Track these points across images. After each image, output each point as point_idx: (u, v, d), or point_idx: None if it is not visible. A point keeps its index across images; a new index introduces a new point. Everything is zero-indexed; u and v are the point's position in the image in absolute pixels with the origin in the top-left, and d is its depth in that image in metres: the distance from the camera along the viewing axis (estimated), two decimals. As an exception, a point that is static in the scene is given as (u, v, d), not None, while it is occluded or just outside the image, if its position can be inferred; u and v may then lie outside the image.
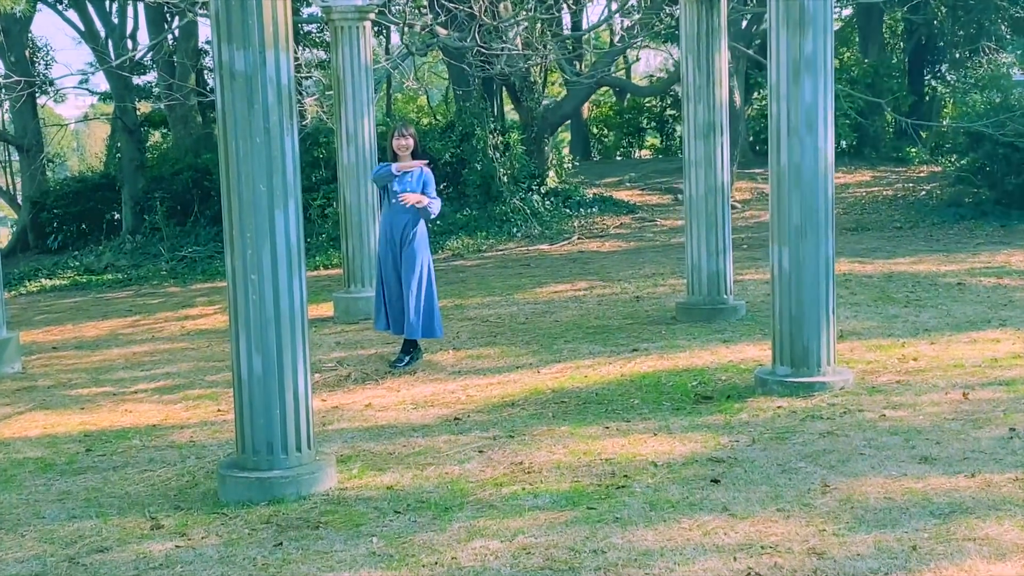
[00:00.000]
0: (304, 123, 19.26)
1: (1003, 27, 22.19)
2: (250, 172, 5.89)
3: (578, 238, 17.97)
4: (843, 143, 24.07)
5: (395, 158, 9.23)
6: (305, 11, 22.60)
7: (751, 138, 24.62)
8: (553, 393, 8.12)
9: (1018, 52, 19.53)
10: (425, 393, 8.47)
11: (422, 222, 9.29)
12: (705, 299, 10.47)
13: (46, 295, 17.39)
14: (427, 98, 34.07)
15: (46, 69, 26.27)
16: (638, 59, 21.96)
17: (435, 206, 9.17)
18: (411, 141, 9.22)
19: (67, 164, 43.17)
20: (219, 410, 8.32)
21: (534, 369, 8.99)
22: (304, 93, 17.88)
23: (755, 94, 25.58)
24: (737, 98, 21.54)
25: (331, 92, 13.38)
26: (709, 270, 10.42)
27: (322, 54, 23.70)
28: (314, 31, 25.83)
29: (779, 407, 7.22)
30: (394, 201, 9.17)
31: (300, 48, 22.20)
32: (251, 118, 5.86)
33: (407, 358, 9.42)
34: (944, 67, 26.15)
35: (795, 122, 7.34)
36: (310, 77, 19.59)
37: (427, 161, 9.31)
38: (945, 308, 10.39)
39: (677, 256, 15.21)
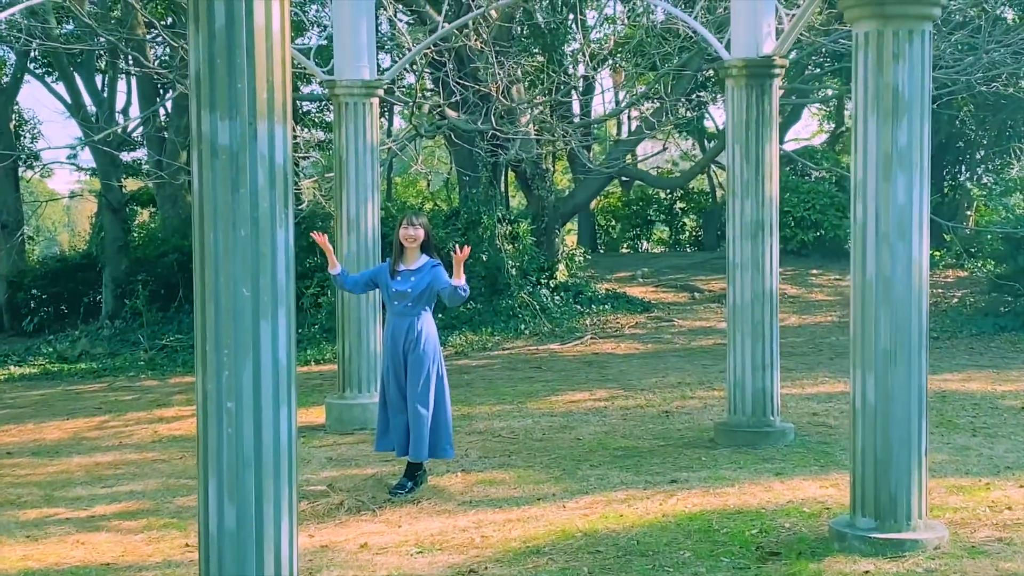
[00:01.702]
0: (300, 207, 18.14)
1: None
2: (231, 272, 4.66)
3: (591, 338, 16.73)
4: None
5: (401, 251, 8.08)
6: (305, 88, 21.58)
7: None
8: (585, 538, 6.82)
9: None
10: (431, 530, 7.17)
11: (431, 322, 8.10)
12: (749, 420, 9.22)
13: (13, 384, 16.05)
14: (427, 183, 33.08)
15: (32, 142, 25.25)
16: (665, 148, 20.93)
17: (464, 289, 7.92)
18: (421, 232, 8.05)
19: (58, 240, 42.08)
20: (187, 545, 7.01)
21: (559, 502, 7.69)
22: (301, 175, 16.76)
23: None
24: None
25: (331, 174, 12.24)
26: (754, 387, 9.18)
27: (322, 135, 22.68)
28: (314, 111, 24.86)
29: (866, 572, 5.93)
30: (396, 303, 8.03)
31: (299, 128, 21.18)
32: (235, 204, 4.64)
33: (409, 484, 8.13)
34: (965, 167, 25.23)
35: (885, 227, 6.16)
36: (308, 157, 18.50)
37: (438, 256, 8.14)
38: (1020, 439, 9.15)
39: (702, 363, 14.01)
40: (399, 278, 8.02)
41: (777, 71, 9.02)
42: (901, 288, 6.16)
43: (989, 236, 18.18)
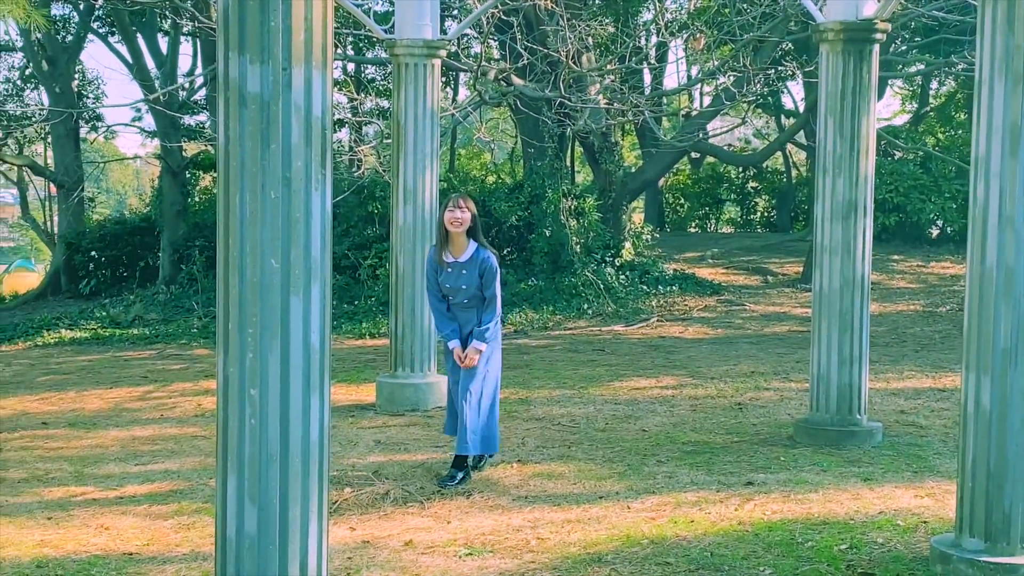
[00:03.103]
0: (359, 174, 17.56)
1: None
2: (258, 240, 4.03)
3: (657, 320, 15.98)
4: (948, 229, 22.07)
5: (446, 236, 7.45)
6: (368, 53, 20.98)
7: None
8: (652, 545, 6.15)
9: None
10: (483, 528, 6.53)
11: (497, 317, 7.51)
12: (833, 418, 8.45)
13: (62, 348, 15.67)
14: (491, 155, 32.41)
15: (95, 103, 24.94)
16: (744, 122, 20.06)
17: (494, 328, 7.47)
18: (468, 216, 7.40)
19: (126, 203, 42.09)
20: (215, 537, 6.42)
21: (622, 502, 7.02)
22: (362, 140, 16.16)
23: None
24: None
25: (389, 140, 11.62)
26: (840, 382, 8.42)
27: (386, 104, 22.09)
28: (379, 78, 24.28)
29: (976, 602, 5.21)
30: (451, 298, 7.54)
31: (362, 96, 20.60)
32: (265, 162, 4.00)
33: (460, 475, 7.51)
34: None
35: (1010, 209, 5.38)
36: (372, 123, 17.89)
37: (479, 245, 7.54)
38: None
39: (776, 351, 13.24)
40: (449, 270, 7.44)
41: (878, 35, 8.21)
42: (1026, 280, 5.39)
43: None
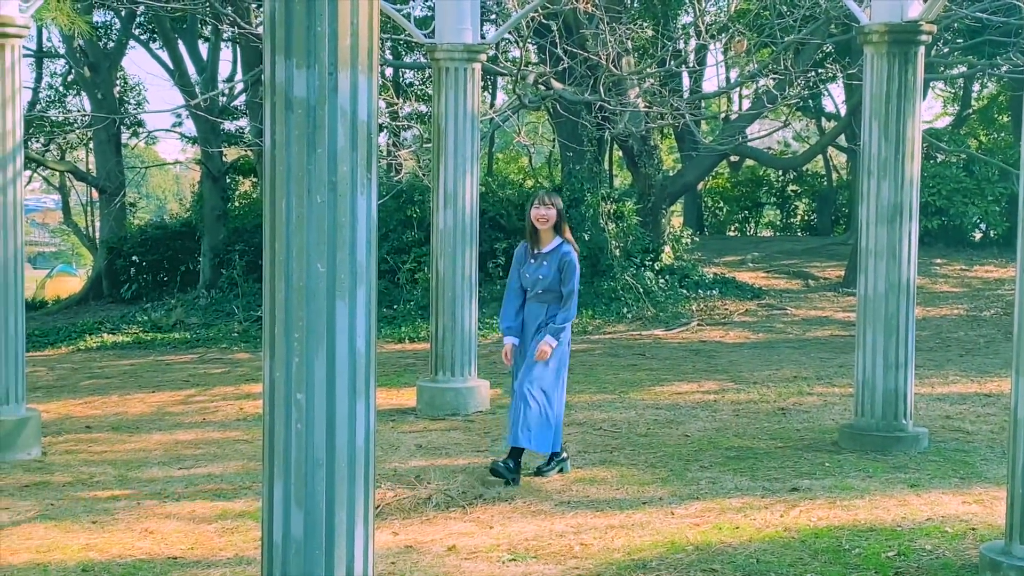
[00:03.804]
0: (398, 178, 17.59)
1: None
2: (304, 244, 4.03)
3: (697, 324, 15.89)
4: (992, 232, 21.84)
5: (534, 232, 7.62)
6: (407, 58, 21.01)
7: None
8: (697, 552, 6.10)
9: None
10: (526, 534, 6.50)
11: (572, 316, 7.64)
12: (879, 423, 8.37)
13: (104, 353, 15.78)
14: (530, 159, 32.39)
15: (136, 108, 25.13)
16: (787, 125, 19.93)
17: (566, 327, 7.61)
18: (553, 212, 7.57)
19: (167, 208, 42.42)
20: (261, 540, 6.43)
21: (666, 508, 6.97)
22: (400, 145, 16.18)
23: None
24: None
25: (429, 144, 11.62)
26: (886, 388, 8.33)
27: (424, 108, 22.12)
28: (417, 83, 24.32)
29: (1028, 611, 5.12)
30: (530, 288, 7.64)
31: (401, 101, 20.64)
32: (311, 166, 4.00)
33: (512, 464, 7.56)
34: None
35: (1062, 211, 5.30)
36: (410, 128, 17.91)
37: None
38: None
39: (819, 356, 13.14)
40: (532, 262, 7.63)
41: (924, 37, 8.12)
42: (1079, 283, 5.30)
43: None
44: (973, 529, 6.40)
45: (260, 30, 17.41)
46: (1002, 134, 24.64)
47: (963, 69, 20.68)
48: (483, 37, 10.60)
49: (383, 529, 6.56)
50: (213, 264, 20.41)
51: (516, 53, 17.58)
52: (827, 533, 6.38)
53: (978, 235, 22.98)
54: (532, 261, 7.61)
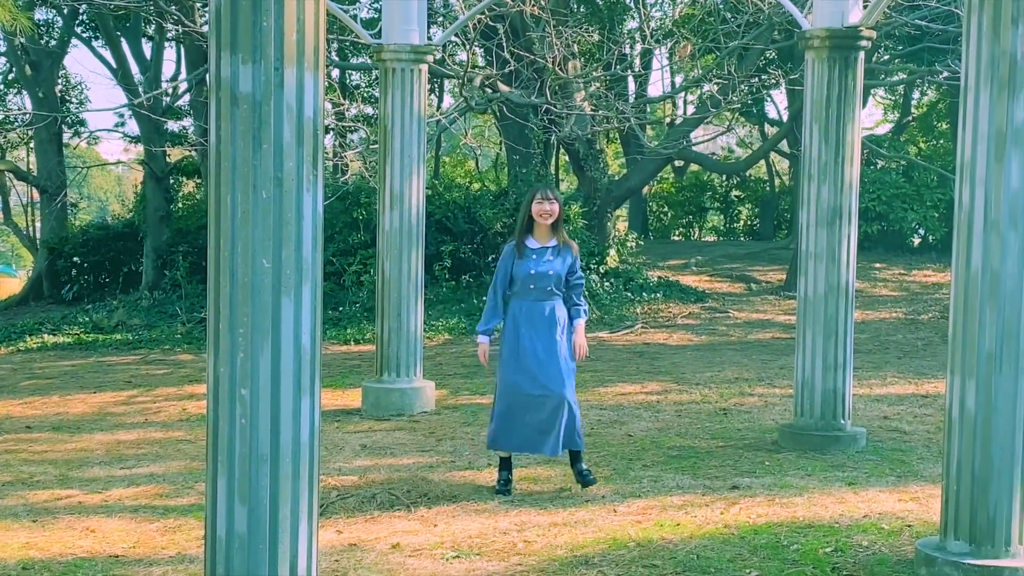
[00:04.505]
0: (345, 179, 17.56)
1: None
2: (249, 240, 4.05)
3: (641, 327, 16.01)
4: (930, 237, 22.18)
5: (530, 227, 7.26)
6: (354, 59, 20.97)
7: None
8: (639, 548, 6.16)
9: None
10: (470, 532, 6.53)
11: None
12: (818, 423, 8.50)
13: (45, 353, 15.59)
14: (476, 162, 32.45)
15: (78, 107, 24.86)
16: (731, 129, 20.15)
17: (582, 323, 7.41)
18: (556, 207, 7.22)
19: (109, 209, 41.94)
20: (204, 537, 6.41)
21: (609, 505, 7.03)
22: (347, 146, 16.16)
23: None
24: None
25: (375, 146, 11.63)
26: (825, 388, 8.46)
27: (371, 110, 22.09)
28: (364, 85, 24.28)
29: (961, 604, 5.24)
30: (533, 287, 7.20)
31: (347, 102, 20.60)
32: (257, 162, 4.03)
33: (587, 471, 7.47)
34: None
35: (995, 214, 5.42)
36: (357, 129, 17.87)
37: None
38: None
39: (760, 358, 13.29)
40: (535, 257, 7.20)
41: (864, 43, 8.27)
42: (1011, 284, 5.43)
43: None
44: (909, 526, 6.52)
45: (205, 29, 17.32)
46: (941, 141, 25.06)
47: (903, 76, 21.01)
48: (430, 39, 10.63)
49: (327, 527, 6.56)
50: (156, 265, 20.23)
51: (463, 56, 17.63)
52: (766, 530, 6.47)
53: (917, 240, 23.34)
54: (535, 257, 7.21)
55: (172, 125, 22.82)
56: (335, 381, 11.91)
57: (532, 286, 7.20)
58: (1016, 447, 5.50)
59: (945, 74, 16.86)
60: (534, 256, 7.21)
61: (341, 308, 17.03)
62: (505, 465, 7.47)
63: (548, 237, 7.27)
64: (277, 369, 4.09)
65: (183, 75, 22.27)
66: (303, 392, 4.16)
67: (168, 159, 21.70)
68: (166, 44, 22.43)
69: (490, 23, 13.57)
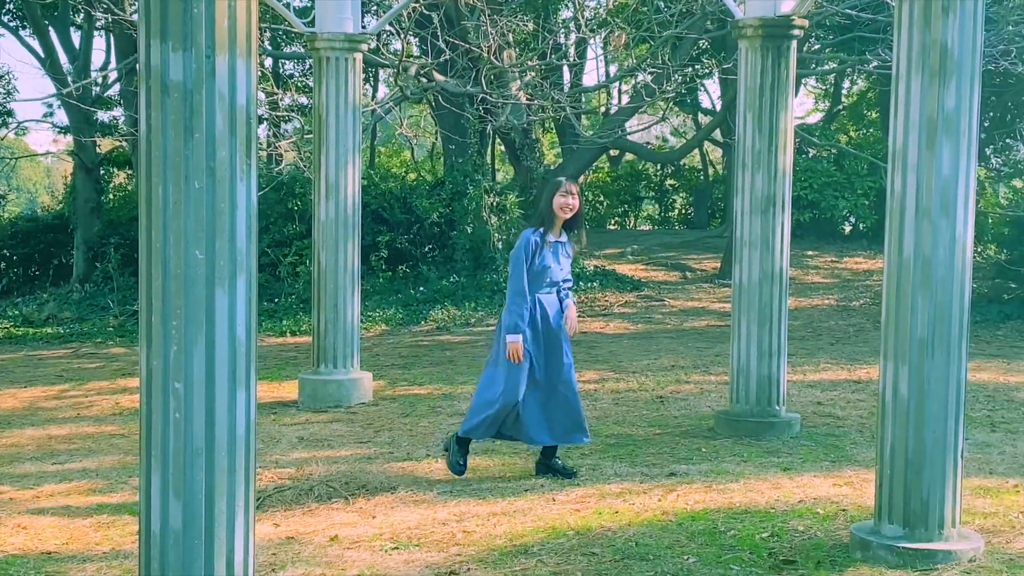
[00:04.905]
0: (279, 170, 17.40)
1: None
2: (182, 231, 3.98)
3: (578, 316, 16.04)
4: (861, 225, 22.48)
5: (551, 221, 7.22)
6: (287, 48, 20.77)
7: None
8: (577, 537, 6.17)
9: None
10: (408, 523, 6.51)
11: None
12: (753, 410, 8.58)
13: (-28, 348, 15.30)
14: (412, 152, 32.33)
15: (5, 97, 24.36)
16: (665, 119, 20.26)
17: (572, 302, 7.52)
18: (577, 202, 7.22)
19: (38, 201, 41.19)
20: (139, 532, 6.32)
21: (547, 494, 7.04)
22: (281, 136, 16.01)
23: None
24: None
25: (310, 136, 11.53)
26: (760, 375, 8.54)
27: (305, 100, 21.89)
28: (298, 74, 24.08)
29: (895, 587, 5.31)
30: (550, 279, 7.24)
31: (281, 92, 20.41)
32: (189, 152, 3.96)
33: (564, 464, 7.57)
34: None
35: (927, 201, 5.49)
36: (291, 119, 17.72)
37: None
38: (1044, 436, 8.56)
39: (696, 345, 13.39)
40: (553, 250, 7.24)
41: (796, 32, 8.34)
42: (942, 270, 5.51)
43: (991, 220, 17.55)
44: (844, 510, 6.59)
45: (135, 17, 17.05)
46: (871, 129, 25.37)
47: (834, 65, 21.24)
48: (364, 28, 10.55)
49: (264, 521, 6.50)
50: (87, 258, 19.93)
51: (398, 45, 17.53)
52: (703, 516, 6.51)
53: (848, 228, 23.64)
54: (551, 251, 7.21)
55: (102, 115, 22.42)
56: (271, 373, 11.81)
57: (549, 279, 7.24)
58: (948, 431, 5.59)
59: (875, 63, 17.07)
60: (553, 249, 7.25)
61: (277, 299, 16.90)
62: (466, 450, 7.51)
63: (559, 231, 7.29)
64: (211, 362, 4.04)
65: (113, 64, 21.92)
66: (238, 385, 4.10)
67: (98, 150, 21.36)
68: (95, 33, 22.05)
69: (424, 12, 13.51)
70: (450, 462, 7.49)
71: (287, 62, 23.82)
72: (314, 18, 10.14)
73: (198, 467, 4.05)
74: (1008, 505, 6.64)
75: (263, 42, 21.15)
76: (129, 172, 23.22)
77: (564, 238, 7.34)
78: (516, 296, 7.16)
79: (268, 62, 23.09)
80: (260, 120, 19.84)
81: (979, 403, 9.80)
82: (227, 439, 4.08)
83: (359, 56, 10.04)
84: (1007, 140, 21.35)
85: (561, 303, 7.35)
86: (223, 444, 4.07)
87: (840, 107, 27.79)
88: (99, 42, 23.72)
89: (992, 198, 19.53)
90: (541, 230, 7.22)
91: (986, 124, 21.01)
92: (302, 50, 18.55)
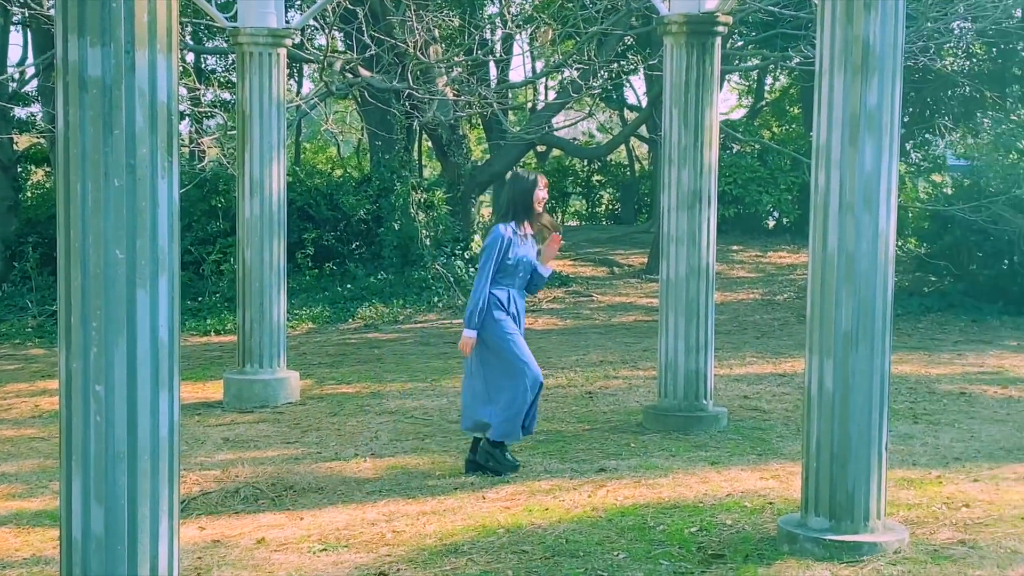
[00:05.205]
0: (202, 166, 17.17)
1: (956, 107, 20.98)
2: (101, 230, 3.89)
3: (507, 312, 16.03)
4: (784, 220, 22.74)
5: (528, 215, 7.25)
6: (209, 43, 20.50)
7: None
8: (508, 534, 6.16)
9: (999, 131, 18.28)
10: (337, 523, 6.44)
11: None
12: (681, 404, 8.63)
13: None
14: (338, 148, 32.09)
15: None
16: (592, 115, 20.31)
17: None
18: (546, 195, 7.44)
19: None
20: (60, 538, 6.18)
21: (477, 492, 7.02)
22: (203, 132, 15.79)
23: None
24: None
25: (233, 132, 11.38)
26: (687, 369, 8.59)
27: (228, 96, 21.62)
28: (220, 70, 23.78)
29: (821, 578, 5.36)
30: (520, 274, 7.29)
31: (203, 87, 20.13)
32: (108, 149, 3.87)
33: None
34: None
35: (850, 196, 5.55)
36: (214, 115, 17.48)
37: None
38: (964, 427, 8.70)
39: (624, 340, 13.45)
40: (525, 244, 7.26)
41: (720, 28, 8.40)
42: (866, 264, 5.57)
43: (911, 214, 17.85)
44: (771, 503, 6.65)
45: (52, 12, 16.71)
46: (794, 125, 25.68)
47: (757, 62, 21.46)
48: (288, 22, 10.42)
49: (189, 524, 6.39)
50: (4, 257, 19.46)
51: (322, 40, 17.38)
52: (633, 511, 6.53)
53: (771, 223, 23.91)
54: (524, 244, 7.24)
55: (19, 112, 21.94)
56: (195, 373, 11.64)
57: (522, 273, 7.28)
58: (873, 424, 5.66)
59: (797, 60, 17.26)
60: (525, 243, 7.28)
61: (200, 298, 16.67)
62: (504, 447, 7.49)
63: (528, 226, 7.33)
64: (133, 363, 3.96)
65: (30, 60, 21.47)
66: (161, 386, 4.02)
67: (15, 147, 20.90)
68: (12, 28, 21.57)
69: (349, 6, 13.39)
70: (503, 468, 7.38)
71: (209, 57, 23.52)
72: (236, 12, 10.00)
73: (120, 471, 3.96)
74: (931, 496, 6.75)
75: (184, 37, 20.85)
76: (47, 169, 22.75)
77: (530, 231, 7.36)
78: (475, 292, 7.27)
79: (190, 57, 22.78)
80: (182, 116, 19.57)
81: (901, 395, 9.95)
82: (150, 442, 4.00)
83: (283, 51, 9.92)
84: (926, 135, 21.73)
85: (522, 300, 7.46)
86: (146, 447, 3.99)
87: (763, 103, 28.10)
88: (16, 37, 23.26)
89: (912, 192, 19.87)
90: (513, 224, 7.21)
91: (906, 120, 21.35)
92: (225, 45, 18.30)
